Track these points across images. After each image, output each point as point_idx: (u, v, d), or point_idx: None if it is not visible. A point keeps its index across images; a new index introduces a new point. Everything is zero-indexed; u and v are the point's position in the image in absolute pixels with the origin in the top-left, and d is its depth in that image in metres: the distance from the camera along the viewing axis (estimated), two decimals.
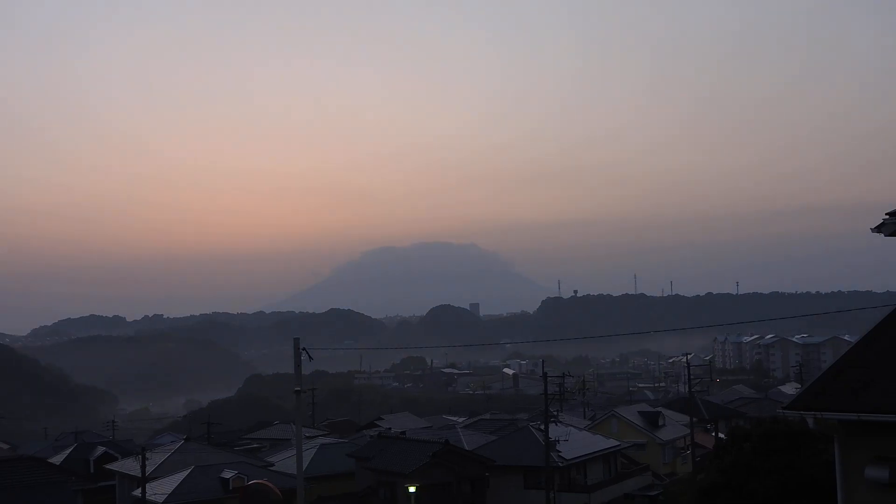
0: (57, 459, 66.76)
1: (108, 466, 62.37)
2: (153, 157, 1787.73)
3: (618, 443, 63.69)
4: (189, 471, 51.63)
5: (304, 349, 29.49)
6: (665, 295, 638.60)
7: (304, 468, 32.07)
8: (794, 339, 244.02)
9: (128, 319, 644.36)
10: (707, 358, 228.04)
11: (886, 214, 14.78)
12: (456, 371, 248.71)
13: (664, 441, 71.94)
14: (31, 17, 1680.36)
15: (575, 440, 57.77)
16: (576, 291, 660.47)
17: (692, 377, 72.63)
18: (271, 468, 56.86)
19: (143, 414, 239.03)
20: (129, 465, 54.96)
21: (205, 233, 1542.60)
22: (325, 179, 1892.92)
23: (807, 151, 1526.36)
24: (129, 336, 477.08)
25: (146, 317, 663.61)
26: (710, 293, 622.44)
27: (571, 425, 64.21)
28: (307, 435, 69.48)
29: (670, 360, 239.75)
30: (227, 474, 51.08)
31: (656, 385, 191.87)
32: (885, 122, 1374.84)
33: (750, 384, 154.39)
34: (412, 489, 48.97)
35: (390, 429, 74.88)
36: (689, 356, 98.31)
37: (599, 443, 61.95)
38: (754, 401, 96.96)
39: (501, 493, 55.67)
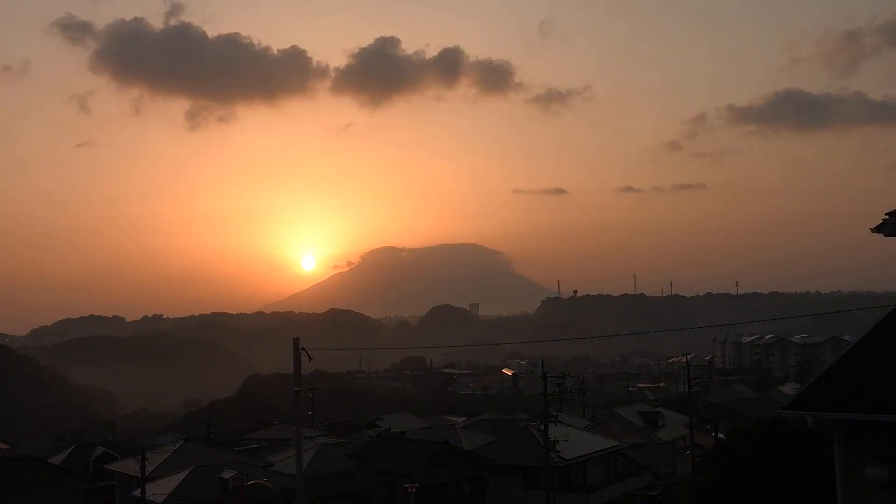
0: (57, 459, 66.61)
1: (108, 466, 62.38)
2: (154, 157, 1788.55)
3: (617, 443, 63.65)
4: (189, 471, 51.62)
5: (303, 349, 29.40)
6: (665, 295, 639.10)
7: (303, 468, 32.02)
8: (793, 340, 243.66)
9: (128, 319, 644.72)
10: (707, 358, 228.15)
11: (886, 214, 14.79)
12: (456, 371, 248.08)
13: (664, 441, 71.93)
14: None
15: (575, 440, 57.72)
16: (576, 291, 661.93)
17: (692, 377, 72.73)
18: (271, 468, 56.84)
19: (142, 414, 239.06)
20: (129, 466, 55.01)
21: (205, 233, 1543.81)
22: (326, 179, 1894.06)
23: (807, 151, 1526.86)
24: (129, 336, 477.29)
25: (146, 317, 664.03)
26: (709, 293, 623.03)
27: (571, 425, 64.20)
28: (307, 435, 69.37)
29: (670, 361, 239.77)
30: (227, 474, 51.07)
31: (656, 385, 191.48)
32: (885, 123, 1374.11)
33: (749, 384, 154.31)
34: (412, 489, 48.94)
35: (390, 429, 74.80)
36: (688, 356, 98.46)
37: (599, 443, 61.92)
38: (754, 401, 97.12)
39: (501, 493, 55.64)
